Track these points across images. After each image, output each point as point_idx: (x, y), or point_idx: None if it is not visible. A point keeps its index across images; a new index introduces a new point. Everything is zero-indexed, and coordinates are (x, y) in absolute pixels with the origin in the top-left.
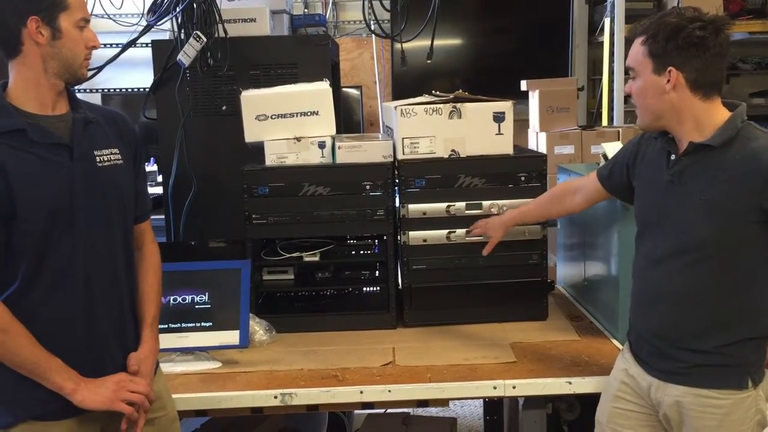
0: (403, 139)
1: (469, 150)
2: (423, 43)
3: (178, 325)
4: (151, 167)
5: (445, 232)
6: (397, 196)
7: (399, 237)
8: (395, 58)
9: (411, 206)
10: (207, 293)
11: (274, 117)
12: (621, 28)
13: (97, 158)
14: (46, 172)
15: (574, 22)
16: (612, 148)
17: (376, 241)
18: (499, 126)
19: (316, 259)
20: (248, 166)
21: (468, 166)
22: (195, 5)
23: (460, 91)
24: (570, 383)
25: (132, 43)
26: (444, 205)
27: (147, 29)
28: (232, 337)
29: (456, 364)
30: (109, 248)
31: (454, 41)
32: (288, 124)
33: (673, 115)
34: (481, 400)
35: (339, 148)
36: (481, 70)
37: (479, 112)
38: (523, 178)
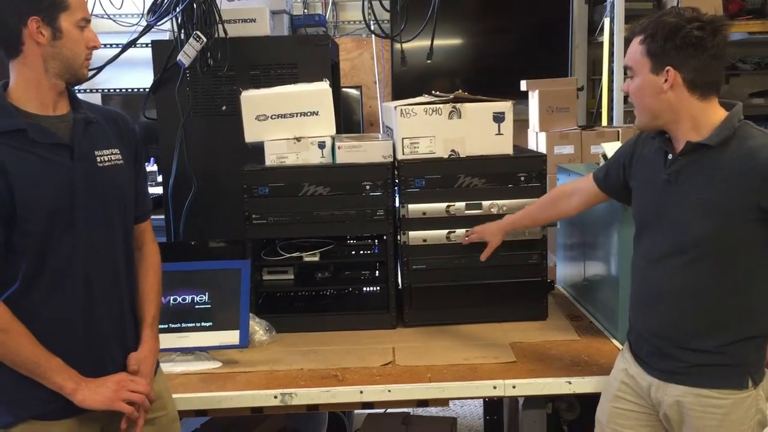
0: (402, 139)
1: (468, 150)
2: (423, 43)
3: (178, 325)
4: (151, 167)
5: (444, 232)
6: (397, 196)
7: (399, 237)
8: (395, 58)
9: (411, 206)
10: (207, 293)
11: (274, 117)
12: (621, 28)
13: (98, 158)
14: (47, 172)
15: (574, 22)
16: (612, 148)
17: (376, 241)
18: (498, 126)
19: (316, 259)
20: (248, 166)
21: (468, 166)
22: (195, 5)
23: (460, 91)
24: (570, 383)
25: (132, 44)
26: (444, 205)
27: (147, 29)
28: (232, 337)
29: (456, 364)
30: (109, 248)
31: (454, 41)
32: (288, 124)
33: (671, 115)
34: (481, 399)
35: (339, 148)
36: (481, 70)
37: (479, 112)
38: (522, 178)
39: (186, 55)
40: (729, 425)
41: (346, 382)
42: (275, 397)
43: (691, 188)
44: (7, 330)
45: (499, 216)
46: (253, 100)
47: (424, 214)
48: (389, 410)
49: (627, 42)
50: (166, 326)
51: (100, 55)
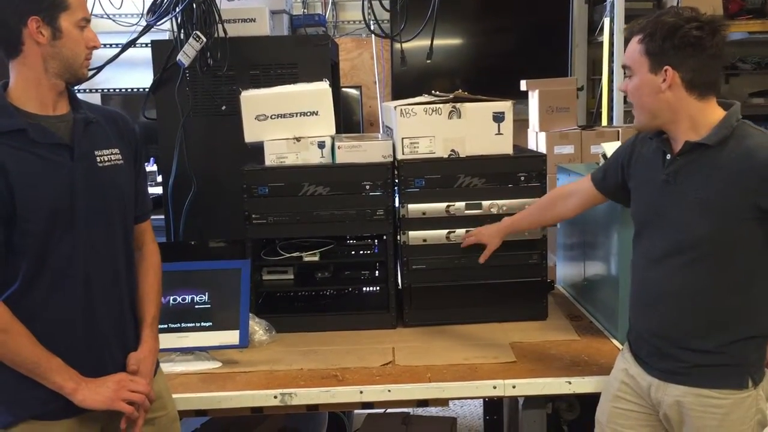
0: (402, 139)
1: (468, 150)
2: (422, 43)
3: (178, 324)
4: (150, 167)
5: (444, 231)
6: (397, 196)
7: (399, 237)
8: (395, 58)
9: (411, 206)
10: (207, 293)
11: (273, 117)
12: (621, 28)
13: (98, 158)
14: (47, 172)
15: (574, 21)
16: (612, 148)
17: (376, 241)
18: (498, 126)
19: (316, 259)
20: (248, 166)
21: (467, 166)
22: (195, 5)
23: (460, 91)
24: (570, 383)
25: (132, 43)
26: (444, 205)
27: (147, 29)
28: (231, 336)
29: (456, 364)
30: (109, 248)
31: (454, 41)
32: (288, 124)
33: (669, 115)
34: (481, 399)
35: (339, 148)
36: (481, 69)
37: (479, 112)
38: (522, 178)
39: (186, 55)
40: (729, 425)
41: (345, 382)
42: (275, 397)
43: (690, 188)
44: (7, 330)
45: (499, 216)
46: (252, 100)
47: (423, 214)
48: (389, 410)
49: (627, 42)
50: (166, 326)
51: (99, 55)
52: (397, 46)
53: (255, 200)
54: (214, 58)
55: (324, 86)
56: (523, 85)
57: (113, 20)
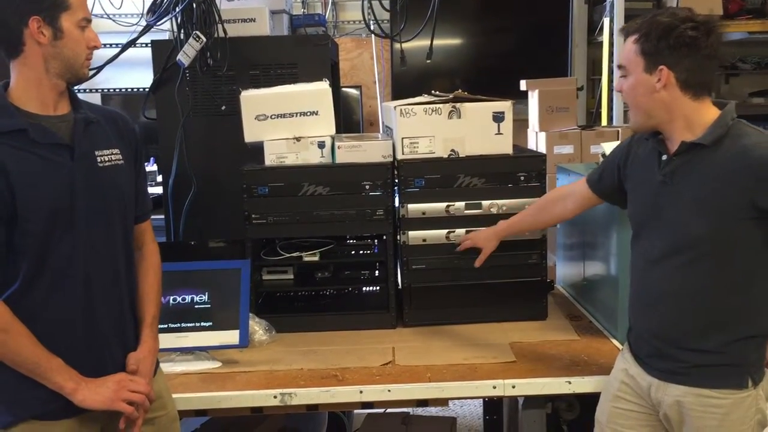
0: (402, 139)
1: (468, 150)
2: (422, 42)
3: (178, 324)
4: (150, 167)
5: (444, 231)
6: (397, 195)
7: (398, 237)
8: (395, 58)
9: (410, 206)
10: (207, 293)
11: (273, 117)
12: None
13: (98, 158)
14: (47, 172)
15: (574, 21)
16: (611, 148)
17: (376, 240)
18: (498, 126)
19: (316, 258)
20: (248, 166)
21: (467, 166)
22: (194, 5)
23: (460, 91)
24: (569, 383)
25: (131, 43)
26: (443, 204)
27: (146, 29)
28: (231, 336)
29: (455, 364)
30: (109, 248)
31: (454, 41)
32: (287, 124)
33: (664, 114)
34: (481, 399)
35: (338, 147)
36: (481, 69)
37: (479, 111)
38: (522, 178)
39: (185, 55)
40: (729, 425)
41: (345, 382)
42: (275, 397)
43: (686, 188)
44: (8, 330)
45: (499, 216)
46: (252, 99)
47: (423, 213)
48: (389, 410)
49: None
50: (166, 326)
51: (99, 55)
52: (397, 46)
53: (255, 200)
54: (214, 58)
55: (324, 86)
56: (523, 85)
57: (113, 20)
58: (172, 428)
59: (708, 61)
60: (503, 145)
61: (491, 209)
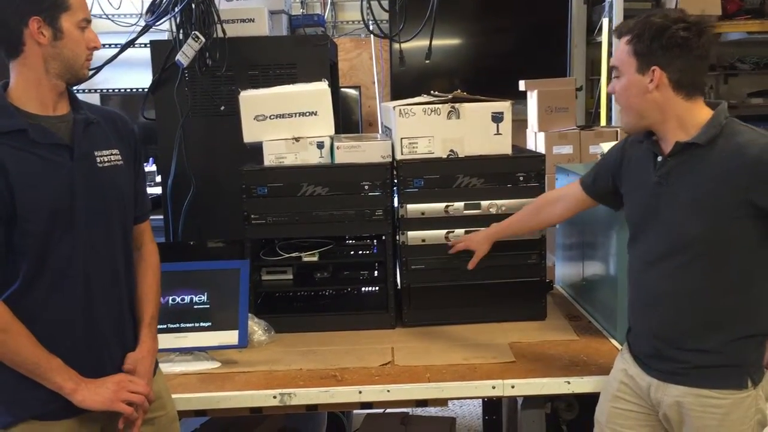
0: (401, 139)
1: (467, 150)
2: (421, 43)
3: (177, 325)
4: (149, 167)
5: (443, 232)
6: (396, 196)
7: (398, 237)
8: (394, 58)
9: (409, 206)
10: (206, 293)
11: (272, 117)
12: None
13: (98, 159)
14: (47, 173)
15: (573, 22)
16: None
17: (375, 241)
18: (497, 126)
19: (315, 259)
20: (247, 166)
21: (466, 166)
22: (193, 6)
23: (459, 91)
24: (569, 383)
25: (130, 44)
26: (442, 205)
27: (145, 29)
28: (231, 337)
29: (455, 364)
30: (109, 248)
31: (453, 41)
32: (286, 124)
33: (657, 115)
34: (480, 399)
35: (337, 148)
36: (480, 70)
37: (478, 112)
38: (521, 178)
39: (184, 56)
40: (729, 425)
41: (345, 382)
42: (274, 397)
43: (682, 188)
44: (7, 330)
45: (498, 216)
46: (251, 100)
47: (422, 214)
48: (388, 410)
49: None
50: (165, 326)
51: (98, 55)
52: (396, 46)
53: (254, 200)
54: (213, 59)
55: (323, 86)
56: (522, 85)
57: (112, 20)
58: (171, 428)
59: (700, 61)
60: (502, 146)
61: (490, 209)
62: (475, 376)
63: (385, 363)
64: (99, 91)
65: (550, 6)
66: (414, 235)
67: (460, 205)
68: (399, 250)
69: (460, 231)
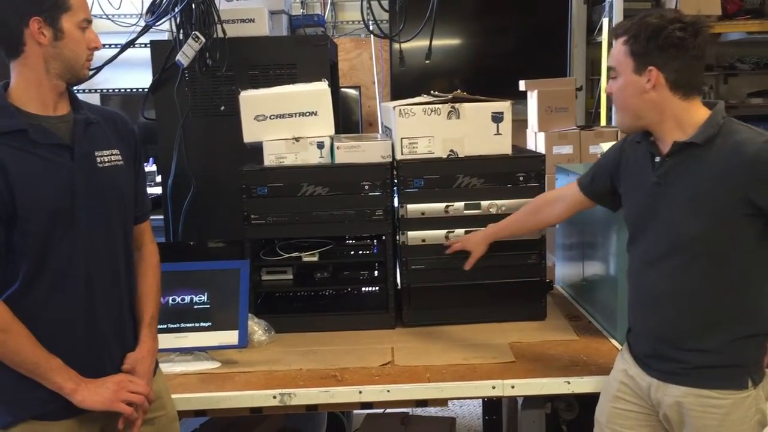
0: (401, 139)
1: (467, 150)
2: (421, 43)
3: (177, 325)
4: (150, 167)
5: (443, 232)
6: (396, 196)
7: (398, 237)
8: (394, 58)
9: (410, 206)
10: (206, 293)
11: (272, 117)
12: None
13: (98, 159)
14: (48, 173)
15: (573, 22)
16: None
17: (375, 241)
18: (497, 126)
19: (315, 259)
20: (247, 166)
21: (466, 166)
22: (193, 6)
23: (459, 91)
24: (569, 383)
25: (131, 44)
26: (443, 205)
27: (145, 30)
28: (231, 337)
29: (455, 364)
30: (109, 249)
31: (453, 41)
32: (287, 124)
33: (654, 115)
34: (480, 399)
35: (338, 148)
36: (480, 70)
37: (478, 112)
38: (521, 178)
39: (185, 56)
40: (729, 425)
41: (345, 382)
42: (274, 397)
43: (680, 188)
44: (7, 330)
45: (498, 216)
46: (251, 100)
47: (422, 214)
48: (388, 410)
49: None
50: (165, 326)
51: (98, 56)
52: (396, 46)
53: (254, 200)
54: (213, 59)
55: (323, 86)
56: (522, 85)
57: (112, 20)
58: (171, 428)
59: (696, 61)
60: (502, 146)
61: (490, 209)
62: (475, 376)
63: (385, 363)
64: (99, 91)
65: (550, 6)
66: (414, 235)
67: (460, 205)
68: (399, 250)
69: (460, 231)
